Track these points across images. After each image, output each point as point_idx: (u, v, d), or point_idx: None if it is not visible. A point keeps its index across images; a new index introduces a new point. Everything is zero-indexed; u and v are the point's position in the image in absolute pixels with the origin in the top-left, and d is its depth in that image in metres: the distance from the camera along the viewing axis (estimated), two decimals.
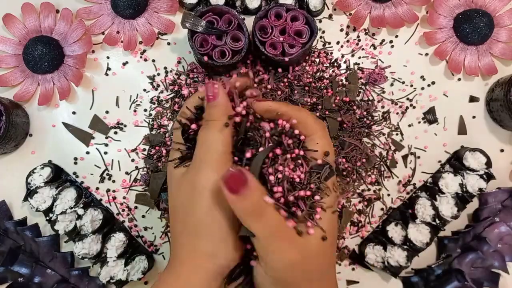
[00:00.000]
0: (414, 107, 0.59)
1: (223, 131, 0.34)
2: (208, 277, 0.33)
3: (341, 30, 0.60)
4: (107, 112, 0.59)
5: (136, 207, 0.57)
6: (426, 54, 0.60)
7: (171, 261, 0.36)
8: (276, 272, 0.32)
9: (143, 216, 0.57)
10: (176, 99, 0.58)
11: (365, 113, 0.58)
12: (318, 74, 0.59)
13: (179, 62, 0.59)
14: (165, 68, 0.59)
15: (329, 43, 0.60)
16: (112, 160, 0.58)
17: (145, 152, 0.58)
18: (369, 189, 0.58)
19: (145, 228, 0.57)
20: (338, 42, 0.60)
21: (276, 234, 0.31)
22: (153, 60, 0.59)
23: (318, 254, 0.33)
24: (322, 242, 0.33)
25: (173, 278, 0.34)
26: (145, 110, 0.58)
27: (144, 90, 0.59)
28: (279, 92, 0.57)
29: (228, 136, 0.34)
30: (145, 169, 0.58)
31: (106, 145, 0.58)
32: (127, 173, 0.58)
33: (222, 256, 0.33)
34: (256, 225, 0.31)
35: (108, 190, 0.57)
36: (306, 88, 0.58)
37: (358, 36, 0.60)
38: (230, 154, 0.34)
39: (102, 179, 0.57)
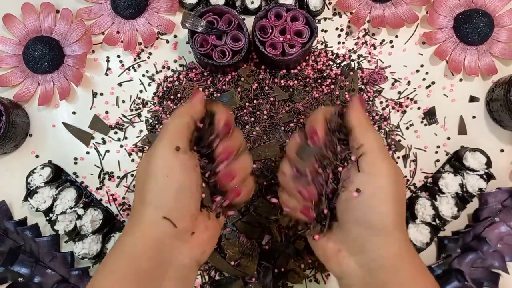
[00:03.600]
0: (414, 107, 0.59)
1: (183, 120, 0.36)
2: (152, 245, 0.33)
3: (341, 30, 0.60)
4: (107, 112, 0.59)
5: None
6: (426, 54, 0.60)
7: (122, 232, 0.36)
8: (379, 183, 0.34)
9: None
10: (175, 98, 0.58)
11: (366, 114, 0.58)
12: (318, 74, 0.59)
13: (175, 61, 0.59)
14: (165, 68, 0.59)
15: (329, 43, 0.60)
16: (112, 160, 0.58)
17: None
18: None
19: None
20: (338, 42, 0.60)
21: (383, 148, 0.35)
22: (152, 60, 0.59)
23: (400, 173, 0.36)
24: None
25: (120, 248, 0.34)
26: (144, 108, 0.59)
27: (144, 90, 0.59)
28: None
29: (188, 125, 0.36)
30: None
31: (106, 145, 0.58)
32: (127, 173, 0.58)
33: (165, 227, 0.33)
34: (371, 135, 0.35)
35: (108, 191, 0.57)
36: (307, 88, 0.58)
37: (358, 36, 0.60)
38: (186, 137, 0.36)
39: (102, 179, 0.57)
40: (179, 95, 0.58)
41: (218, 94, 0.58)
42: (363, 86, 0.59)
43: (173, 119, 0.37)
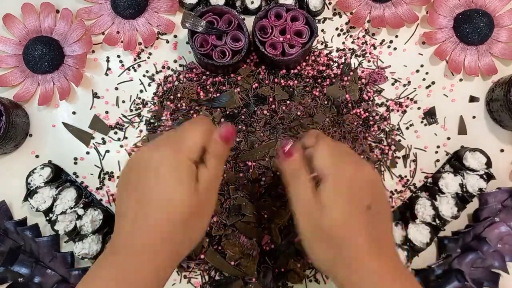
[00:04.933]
0: (414, 107, 0.59)
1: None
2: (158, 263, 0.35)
3: (341, 30, 0.60)
4: (107, 112, 0.59)
5: None
6: (426, 54, 0.60)
7: (115, 239, 0.36)
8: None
9: None
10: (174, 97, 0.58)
11: (366, 114, 0.58)
12: (318, 74, 0.59)
13: (175, 61, 0.59)
14: (165, 68, 0.59)
15: (329, 43, 0.60)
16: (112, 160, 0.58)
17: None
18: None
19: None
20: (338, 42, 0.60)
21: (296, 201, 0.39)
22: (152, 60, 0.59)
23: None
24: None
25: (118, 261, 0.34)
26: (144, 108, 0.59)
27: (144, 90, 0.59)
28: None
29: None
30: None
31: (106, 145, 0.58)
32: None
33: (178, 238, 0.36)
34: (294, 182, 0.39)
35: (108, 191, 0.57)
36: (307, 88, 0.58)
37: (358, 36, 0.60)
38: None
39: (102, 179, 0.57)
40: (179, 95, 0.58)
41: (218, 94, 0.58)
42: (363, 86, 0.59)
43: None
